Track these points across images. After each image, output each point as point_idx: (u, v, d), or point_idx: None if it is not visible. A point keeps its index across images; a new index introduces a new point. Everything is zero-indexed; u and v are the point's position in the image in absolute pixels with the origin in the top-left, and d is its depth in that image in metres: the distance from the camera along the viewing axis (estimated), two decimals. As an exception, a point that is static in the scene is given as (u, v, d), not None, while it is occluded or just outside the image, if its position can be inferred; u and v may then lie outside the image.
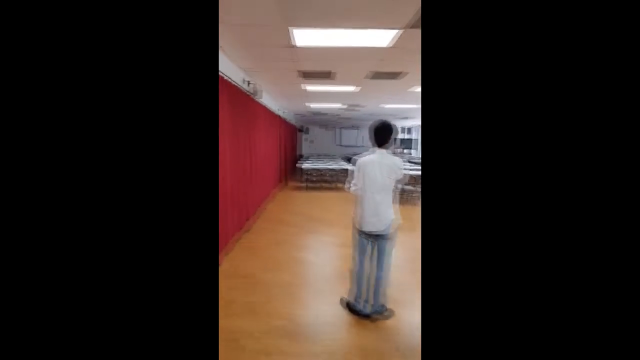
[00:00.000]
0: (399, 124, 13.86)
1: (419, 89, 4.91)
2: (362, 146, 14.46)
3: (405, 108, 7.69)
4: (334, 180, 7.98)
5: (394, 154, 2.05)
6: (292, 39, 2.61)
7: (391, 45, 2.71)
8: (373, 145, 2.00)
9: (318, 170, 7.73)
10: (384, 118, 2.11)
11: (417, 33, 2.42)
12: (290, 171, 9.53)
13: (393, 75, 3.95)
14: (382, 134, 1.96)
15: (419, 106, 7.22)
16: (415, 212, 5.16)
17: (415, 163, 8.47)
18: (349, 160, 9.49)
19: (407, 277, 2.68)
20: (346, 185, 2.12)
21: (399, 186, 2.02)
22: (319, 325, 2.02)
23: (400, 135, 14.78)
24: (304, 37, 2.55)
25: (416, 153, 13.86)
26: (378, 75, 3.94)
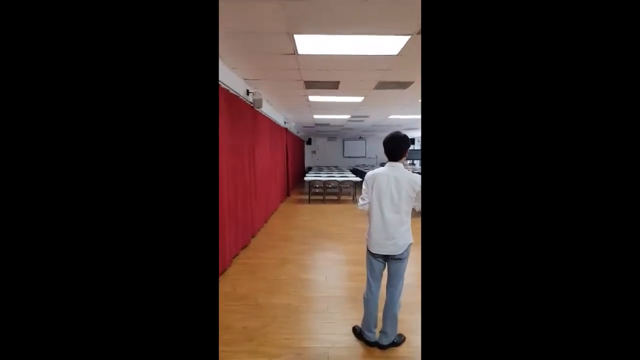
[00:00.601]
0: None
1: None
2: (369, 157, 14.31)
3: (411, 119, 7.57)
4: (340, 193, 7.79)
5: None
6: (296, 47, 2.50)
7: (400, 53, 2.59)
8: (390, 159, 1.79)
9: (323, 181, 7.57)
10: (397, 130, 1.90)
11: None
12: (296, 184, 9.38)
13: (400, 85, 3.83)
14: (395, 146, 1.76)
15: (425, 117, 7.09)
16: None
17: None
18: (354, 171, 9.30)
19: (417, 297, 2.45)
20: (359, 203, 1.90)
21: (418, 208, 1.78)
22: None
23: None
24: (309, 44, 2.43)
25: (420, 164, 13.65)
26: (384, 85, 3.83)
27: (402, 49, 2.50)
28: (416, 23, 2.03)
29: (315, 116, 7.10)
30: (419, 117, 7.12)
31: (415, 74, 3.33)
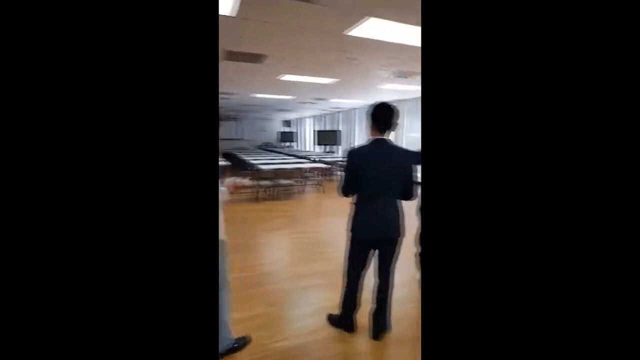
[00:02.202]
0: (278, 116, 13.78)
1: (287, 78, 4.69)
2: (243, 139, 13.69)
3: (281, 99, 7.49)
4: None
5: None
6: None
7: (240, 16, 2.24)
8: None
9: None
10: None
11: (266, 2, 2.03)
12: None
13: (253, 58, 3.52)
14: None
15: (293, 97, 7.13)
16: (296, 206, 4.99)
17: (297, 157, 8.39)
18: (226, 156, 8.58)
19: (262, 288, 2.34)
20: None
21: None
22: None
23: (280, 129, 14.74)
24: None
25: (297, 146, 14.20)
26: (236, 57, 3.43)
27: (238, 10, 2.15)
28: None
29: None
30: (289, 97, 7.10)
31: (265, 46, 3.08)
